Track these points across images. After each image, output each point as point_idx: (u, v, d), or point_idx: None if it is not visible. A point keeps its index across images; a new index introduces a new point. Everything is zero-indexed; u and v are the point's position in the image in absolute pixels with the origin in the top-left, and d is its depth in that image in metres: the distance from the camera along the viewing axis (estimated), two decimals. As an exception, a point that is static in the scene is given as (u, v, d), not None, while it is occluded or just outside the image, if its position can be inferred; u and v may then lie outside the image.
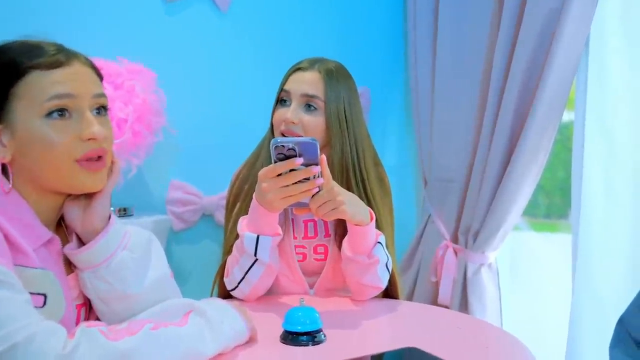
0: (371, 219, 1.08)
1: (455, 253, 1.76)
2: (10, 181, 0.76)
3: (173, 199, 1.68)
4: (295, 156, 0.95)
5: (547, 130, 1.50)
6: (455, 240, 1.78)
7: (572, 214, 1.49)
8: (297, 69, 1.21)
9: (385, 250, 1.13)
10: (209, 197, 1.71)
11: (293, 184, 0.98)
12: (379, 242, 1.11)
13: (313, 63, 1.22)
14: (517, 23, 1.54)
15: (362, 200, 1.12)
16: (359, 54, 1.96)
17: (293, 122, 1.16)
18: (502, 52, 1.58)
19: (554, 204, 1.81)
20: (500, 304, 1.72)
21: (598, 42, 1.45)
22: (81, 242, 0.83)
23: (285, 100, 1.20)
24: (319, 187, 0.98)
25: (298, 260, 1.21)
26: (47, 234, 0.78)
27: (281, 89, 1.21)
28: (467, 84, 1.72)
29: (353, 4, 1.95)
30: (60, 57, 0.76)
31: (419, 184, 2.01)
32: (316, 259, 1.22)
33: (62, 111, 0.75)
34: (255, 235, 1.07)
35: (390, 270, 1.15)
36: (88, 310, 0.86)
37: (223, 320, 0.82)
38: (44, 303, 0.74)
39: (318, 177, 0.97)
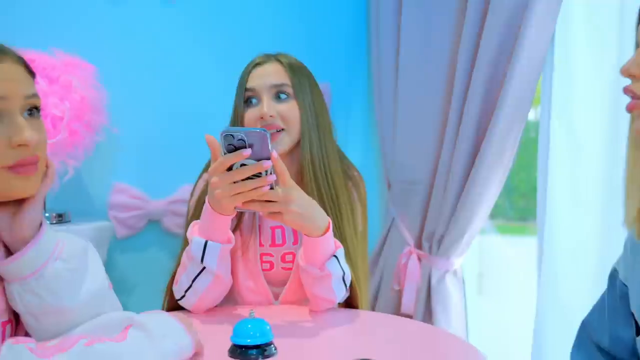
0: (326, 231, 1.08)
1: (419, 259, 1.78)
2: None
3: (116, 204, 1.66)
4: (246, 148, 0.95)
5: (512, 130, 1.54)
6: (419, 245, 1.80)
7: (538, 216, 1.53)
8: (255, 64, 1.22)
9: (342, 264, 1.13)
10: (155, 201, 1.70)
11: (243, 180, 0.97)
12: (334, 256, 1.11)
13: (269, 57, 1.23)
14: (481, 19, 1.58)
15: (333, 207, 1.15)
16: (319, 47, 1.97)
17: (271, 116, 1.17)
18: (466, 50, 1.61)
19: (531, 206, 1.85)
20: (466, 311, 1.75)
21: (563, 39, 1.50)
22: (9, 252, 0.82)
23: (252, 100, 1.20)
24: (272, 184, 0.98)
25: (265, 269, 1.21)
26: None
27: (244, 89, 1.20)
28: (431, 82, 1.75)
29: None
30: None
31: (382, 186, 2.03)
32: (284, 268, 1.22)
33: None
34: (204, 241, 1.07)
35: (347, 285, 1.15)
36: (14, 326, 0.85)
37: (165, 334, 0.82)
38: None
39: (271, 173, 0.97)
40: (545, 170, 1.51)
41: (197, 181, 1.29)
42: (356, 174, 1.32)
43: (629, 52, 0.82)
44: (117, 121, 1.55)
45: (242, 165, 0.96)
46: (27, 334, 0.83)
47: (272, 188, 0.98)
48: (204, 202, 1.14)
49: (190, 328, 0.88)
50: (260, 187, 0.98)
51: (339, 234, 1.20)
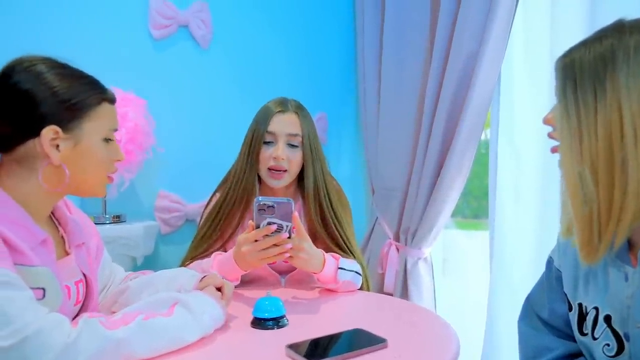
0: (323, 265, 1.09)
1: (397, 249, 1.78)
2: (67, 177, 0.77)
3: (160, 207, 1.66)
4: (274, 213, 0.96)
5: (468, 148, 1.54)
6: (397, 238, 1.79)
7: (489, 215, 1.54)
8: (277, 111, 1.21)
9: (349, 267, 1.15)
10: (191, 205, 1.70)
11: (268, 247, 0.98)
12: (340, 268, 1.12)
13: (286, 105, 1.23)
14: (444, 63, 1.59)
15: (331, 218, 1.18)
16: (317, 84, 1.98)
17: (282, 159, 1.18)
18: (432, 85, 1.62)
19: (482, 206, 1.85)
20: (434, 290, 1.75)
21: (507, 77, 1.51)
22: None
23: (271, 142, 1.20)
24: (289, 234, 0.98)
25: (269, 264, 1.20)
26: (43, 234, 0.76)
27: (265, 131, 1.19)
28: (405, 110, 1.75)
29: (312, 43, 1.97)
30: (114, 95, 0.84)
31: (368, 192, 2.03)
32: (285, 261, 1.22)
33: (109, 140, 0.82)
34: (221, 277, 1.08)
35: (361, 274, 1.18)
36: (86, 284, 0.86)
37: (204, 310, 0.82)
38: (44, 296, 0.73)
39: (290, 231, 0.98)
40: (494, 178, 1.51)
41: (212, 197, 1.28)
42: (336, 184, 1.32)
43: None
44: (162, 143, 1.56)
45: (269, 223, 0.97)
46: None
47: (290, 237, 0.99)
48: (215, 216, 1.19)
49: (220, 301, 0.87)
50: (280, 254, 0.99)
51: (343, 234, 1.21)
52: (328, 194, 1.22)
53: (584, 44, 0.70)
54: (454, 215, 1.73)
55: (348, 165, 2.11)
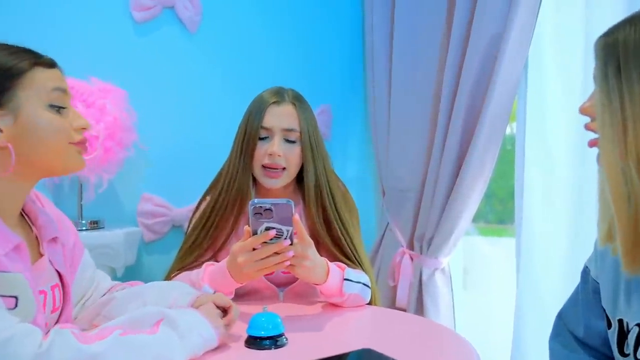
0: (327, 275, 1.08)
1: (411, 259, 1.77)
2: (12, 163, 0.77)
3: (143, 211, 1.66)
4: (272, 217, 0.94)
5: (491, 143, 1.53)
6: (411, 246, 1.79)
7: (516, 219, 1.52)
8: (272, 102, 1.20)
9: (356, 278, 1.14)
10: (178, 209, 1.69)
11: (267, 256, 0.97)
12: (346, 279, 1.11)
13: (282, 95, 1.22)
14: (463, 47, 1.58)
15: (336, 222, 1.18)
16: (320, 73, 1.98)
17: (279, 155, 1.17)
18: (450, 74, 1.61)
19: (507, 210, 1.84)
20: (453, 305, 1.74)
21: (536, 62, 1.50)
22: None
23: (266, 137, 1.20)
24: (291, 240, 0.97)
25: (266, 275, 1.18)
26: (16, 238, 0.77)
27: (259, 126, 1.19)
28: (420, 101, 1.74)
29: (314, 25, 1.97)
30: (51, 59, 0.83)
31: (378, 194, 2.02)
32: (284, 272, 1.20)
33: (58, 104, 0.81)
34: (213, 291, 1.06)
35: (370, 285, 1.17)
36: (62, 289, 0.86)
37: (192, 328, 0.81)
38: (16, 305, 0.73)
39: (291, 237, 0.96)
40: (521, 178, 1.50)
41: (201, 200, 1.28)
42: (341, 185, 1.32)
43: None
44: (145, 139, 1.55)
45: (267, 228, 0.95)
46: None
47: (291, 243, 0.98)
48: (205, 221, 1.18)
49: (216, 321, 0.87)
50: (281, 263, 0.98)
51: (350, 241, 1.20)
52: (332, 194, 1.22)
53: (630, 21, 0.69)
54: (475, 220, 1.72)
55: (355, 164, 2.10)
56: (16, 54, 0.79)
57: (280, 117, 1.19)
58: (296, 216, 0.96)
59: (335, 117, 2.03)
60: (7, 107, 0.77)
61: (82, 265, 0.96)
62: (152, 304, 0.91)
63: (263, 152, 1.19)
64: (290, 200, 0.95)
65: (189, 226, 1.28)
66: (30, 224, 0.87)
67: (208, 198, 1.25)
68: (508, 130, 1.58)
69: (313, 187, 1.20)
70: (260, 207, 0.94)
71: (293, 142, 1.20)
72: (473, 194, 1.59)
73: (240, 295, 1.22)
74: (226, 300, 0.93)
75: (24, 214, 0.87)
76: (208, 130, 1.75)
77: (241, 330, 0.93)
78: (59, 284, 0.86)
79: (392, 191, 1.87)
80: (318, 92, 1.96)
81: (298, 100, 1.23)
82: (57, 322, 0.86)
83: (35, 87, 0.78)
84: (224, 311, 0.92)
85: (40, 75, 0.79)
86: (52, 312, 0.84)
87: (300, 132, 1.20)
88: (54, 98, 0.80)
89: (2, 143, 0.76)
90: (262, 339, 0.90)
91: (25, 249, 0.79)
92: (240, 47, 1.82)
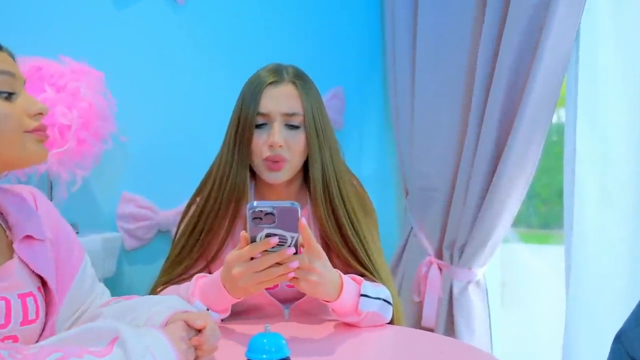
0: (340, 291, 1.07)
1: (440, 269, 1.77)
2: None
3: (124, 214, 1.66)
4: (274, 222, 0.93)
5: (535, 134, 1.53)
6: (439, 255, 1.79)
7: (565, 223, 1.52)
8: (268, 83, 1.20)
9: (374, 293, 1.13)
10: (164, 212, 1.70)
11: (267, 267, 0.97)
12: (362, 295, 1.11)
13: (280, 73, 1.22)
14: (501, 18, 1.57)
15: (346, 222, 1.17)
16: (330, 50, 1.98)
17: (280, 146, 1.17)
18: (486, 51, 1.60)
19: (554, 213, 1.83)
20: (490, 324, 1.74)
21: (589, 35, 1.48)
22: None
23: (264, 124, 1.20)
24: (296, 248, 0.96)
25: (267, 288, 1.18)
26: None
27: (256, 112, 1.18)
28: (450, 85, 1.74)
29: (324, -4, 1.97)
30: None
31: (400, 194, 2.02)
32: (288, 286, 1.20)
33: (4, 90, 0.84)
34: (205, 308, 1.07)
35: (391, 301, 1.17)
36: (38, 299, 0.87)
37: (145, 353, 0.78)
38: None
39: (296, 244, 0.96)
40: (571, 175, 1.50)
41: (191, 202, 1.28)
42: (356, 183, 1.31)
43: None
44: (125, 129, 1.55)
45: (268, 235, 0.94)
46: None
47: (297, 252, 0.97)
48: (194, 226, 1.19)
49: (180, 345, 0.84)
50: (284, 274, 0.97)
51: (363, 244, 1.20)
52: (341, 189, 1.21)
53: None
54: (515, 224, 1.72)
55: (371, 159, 2.10)
56: None
57: (279, 99, 1.19)
58: (303, 221, 0.95)
59: (349, 102, 2.02)
60: None
61: (80, 273, 0.96)
62: (143, 322, 0.90)
63: (262, 143, 1.19)
64: (296, 202, 0.95)
65: (176, 232, 1.29)
66: (2, 222, 0.88)
67: (198, 199, 1.25)
68: (555, 118, 1.57)
69: (320, 180, 1.20)
70: (261, 211, 0.93)
71: (296, 127, 1.20)
72: (513, 194, 1.58)
73: (239, 313, 1.22)
74: (202, 319, 0.90)
75: None
76: (199, 119, 1.75)
77: (239, 354, 0.93)
78: (35, 293, 0.86)
79: (416, 191, 1.87)
80: (328, 72, 1.96)
81: (300, 79, 1.22)
82: (40, 335, 0.86)
83: None
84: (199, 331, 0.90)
85: None
86: (23, 324, 0.84)
87: (304, 116, 1.19)
88: (2, 83, 0.83)
89: None
90: (263, 364, 0.90)
91: None
92: (237, 20, 1.82)
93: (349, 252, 1.20)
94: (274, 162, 1.19)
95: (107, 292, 1.05)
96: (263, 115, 1.19)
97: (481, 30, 1.63)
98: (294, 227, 0.95)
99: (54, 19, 1.56)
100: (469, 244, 1.67)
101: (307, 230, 0.97)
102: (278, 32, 1.88)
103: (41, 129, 0.86)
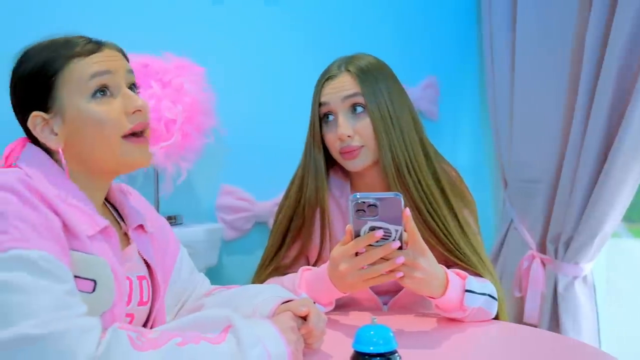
0: (445, 287, 1.05)
1: (543, 264, 1.73)
2: (65, 168, 0.85)
3: (223, 205, 1.71)
4: (377, 214, 0.92)
5: (652, 119, 1.45)
6: (542, 249, 1.75)
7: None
8: (327, 78, 1.21)
9: (479, 288, 1.10)
10: (262, 203, 1.73)
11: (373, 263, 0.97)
12: (467, 291, 1.08)
13: (340, 65, 1.22)
14: (611, 3, 1.51)
15: (423, 203, 1.15)
16: (426, 40, 1.95)
17: (349, 136, 1.17)
18: (595, 27, 1.55)
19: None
20: (598, 322, 1.69)
21: None
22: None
23: (328, 117, 1.20)
24: (401, 242, 0.95)
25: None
26: (104, 221, 0.84)
27: (318, 104, 1.20)
28: (553, 72, 1.69)
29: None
30: (93, 44, 0.87)
31: (498, 185, 1.99)
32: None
33: (103, 90, 0.85)
34: (312, 301, 1.08)
35: (496, 296, 1.14)
36: (150, 282, 0.92)
37: (257, 343, 0.80)
38: (93, 289, 0.79)
39: (401, 238, 0.95)
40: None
41: (288, 192, 1.29)
42: (454, 174, 1.28)
43: None
44: (224, 123, 1.59)
45: (372, 228, 0.94)
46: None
47: (401, 246, 0.96)
48: (290, 218, 1.22)
49: (290, 335, 0.86)
50: (392, 272, 0.97)
51: (450, 239, 1.17)
52: (415, 171, 1.17)
53: None
54: (627, 218, 1.67)
55: (467, 148, 2.06)
56: (55, 51, 0.85)
57: (336, 87, 1.19)
58: (407, 211, 0.94)
59: (444, 91, 1.99)
60: (54, 109, 0.85)
61: (177, 263, 1.02)
62: (244, 311, 0.93)
63: (333, 137, 1.19)
64: (399, 193, 0.93)
65: (274, 223, 1.31)
66: (116, 216, 0.94)
67: (291, 191, 1.27)
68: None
69: (391, 167, 1.17)
70: (363, 202, 0.92)
71: (362, 110, 1.18)
72: (625, 185, 1.53)
73: (338, 306, 1.23)
74: (305, 305, 0.92)
75: (109, 206, 0.95)
76: (294, 112, 1.76)
77: (346, 345, 0.93)
78: (147, 277, 0.92)
79: (517, 182, 1.84)
80: (422, 61, 1.93)
81: (354, 66, 1.20)
82: (147, 320, 0.92)
83: (74, 80, 0.84)
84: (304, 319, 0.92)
85: (76, 67, 0.85)
86: (140, 304, 0.90)
87: (364, 95, 1.17)
88: (94, 85, 0.84)
89: (56, 146, 0.85)
90: (371, 355, 0.89)
91: (115, 234, 0.86)
92: (332, 11, 1.82)
93: (432, 236, 1.17)
94: (347, 152, 1.18)
95: (207, 280, 1.09)
96: (326, 105, 1.19)
97: (589, 15, 1.57)
98: (397, 219, 0.93)
99: (157, 16, 1.62)
100: (576, 238, 1.62)
101: (411, 222, 0.96)
102: (371, 22, 1.87)
103: (137, 133, 0.87)
